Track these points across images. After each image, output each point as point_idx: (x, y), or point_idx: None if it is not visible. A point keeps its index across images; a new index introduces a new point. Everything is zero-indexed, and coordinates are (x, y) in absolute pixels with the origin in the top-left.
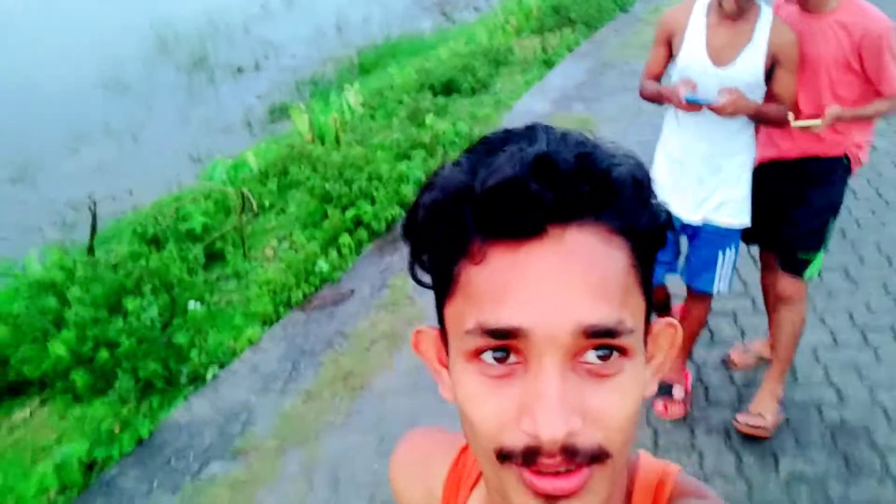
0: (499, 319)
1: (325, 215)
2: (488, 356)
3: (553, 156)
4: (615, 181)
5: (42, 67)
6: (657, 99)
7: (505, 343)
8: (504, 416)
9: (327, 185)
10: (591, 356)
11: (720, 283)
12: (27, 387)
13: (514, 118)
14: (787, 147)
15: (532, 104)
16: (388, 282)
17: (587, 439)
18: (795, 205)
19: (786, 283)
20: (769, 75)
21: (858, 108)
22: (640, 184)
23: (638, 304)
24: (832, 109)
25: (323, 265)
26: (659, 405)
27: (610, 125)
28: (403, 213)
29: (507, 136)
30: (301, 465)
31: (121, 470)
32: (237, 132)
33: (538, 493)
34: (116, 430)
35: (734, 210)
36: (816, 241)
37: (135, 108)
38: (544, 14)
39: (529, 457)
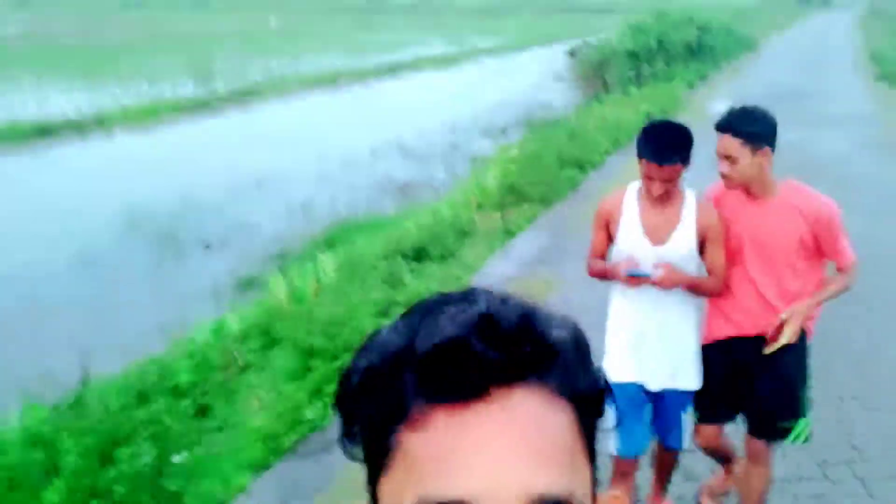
0: (442, 491)
1: (310, 369)
2: None
3: (496, 316)
4: (557, 342)
5: (16, 240)
6: (604, 276)
7: None
8: None
9: (311, 340)
10: None
11: (685, 438)
12: None
13: (482, 279)
14: (746, 324)
15: (498, 268)
16: None
17: None
18: (763, 375)
19: (758, 446)
20: (702, 250)
21: (818, 295)
22: (580, 346)
23: (585, 472)
24: (795, 310)
25: (309, 414)
26: None
27: (573, 287)
28: None
29: (446, 299)
30: None
31: None
32: (205, 303)
33: None
34: None
35: (689, 375)
36: (794, 409)
37: (103, 282)
38: (502, 193)
39: None
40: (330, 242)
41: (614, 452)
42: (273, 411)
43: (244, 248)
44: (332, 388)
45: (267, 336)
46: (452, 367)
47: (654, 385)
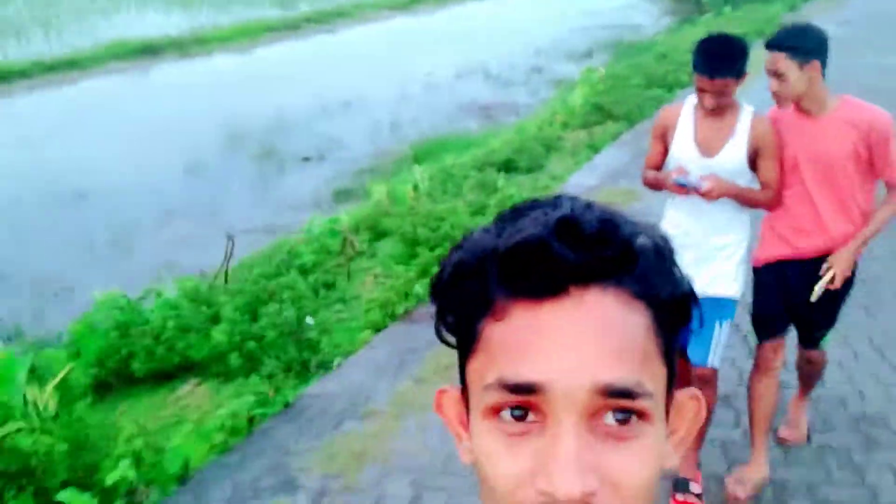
0: (518, 375)
1: (415, 255)
2: (507, 414)
3: (577, 219)
4: (637, 248)
5: (133, 153)
6: (655, 185)
7: (523, 399)
8: (520, 473)
9: (415, 231)
10: (610, 418)
11: (714, 356)
12: (184, 371)
13: (568, 189)
14: (804, 246)
15: (583, 179)
16: None
17: (604, 502)
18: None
19: (813, 354)
20: (754, 164)
21: (863, 234)
22: (662, 253)
23: (658, 370)
24: (841, 256)
25: (419, 288)
26: (678, 499)
27: (654, 196)
28: None
29: (534, 204)
30: (416, 426)
31: (274, 424)
32: (307, 210)
33: None
34: (271, 395)
35: (726, 282)
36: (831, 321)
37: (213, 190)
38: (587, 112)
39: None
40: (417, 158)
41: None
42: (386, 286)
43: (337, 162)
44: (435, 270)
45: (375, 230)
46: (531, 265)
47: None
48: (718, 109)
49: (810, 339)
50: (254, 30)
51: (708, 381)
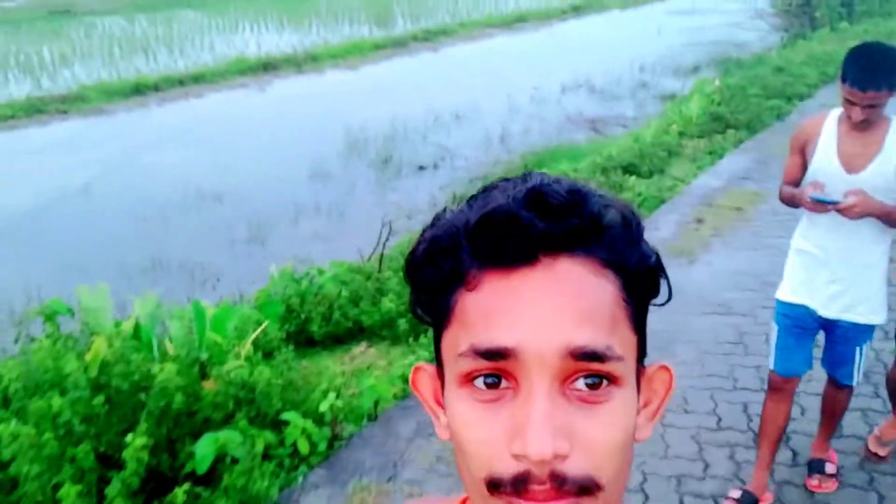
0: (490, 340)
1: None
2: (480, 381)
3: (544, 189)
4: (604, 218)
5: (261, 160)
6: (791, 201)
7: (496, 365)
8: (494, 440)
9: None
10: (581, 383)
11: (858, 376)
12: (355, 336)
13: (694, 190)
14: None
15: (707, 181)
16: None
17: (576, 467)
18: None
19: None
20: None
21: None
22: (630, 224)
23: (628, 337)
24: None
25: None
26: (813, 481)
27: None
28: None
29: (504, 180)
30: None
31: None
32: (425, 215)
33: None
34: None
35: (870, 308)
36: None
37: (336, 194)
38: (705, 121)
39: (519, 484)
40: (529, 168)
41: (770, 367)
42: None
43: (451, 170)
44: None
45: None
46: (501, 234)
47: (826, 312)
48: (866, 123)
49: None
50: (362, 47)
51: (846, 399)
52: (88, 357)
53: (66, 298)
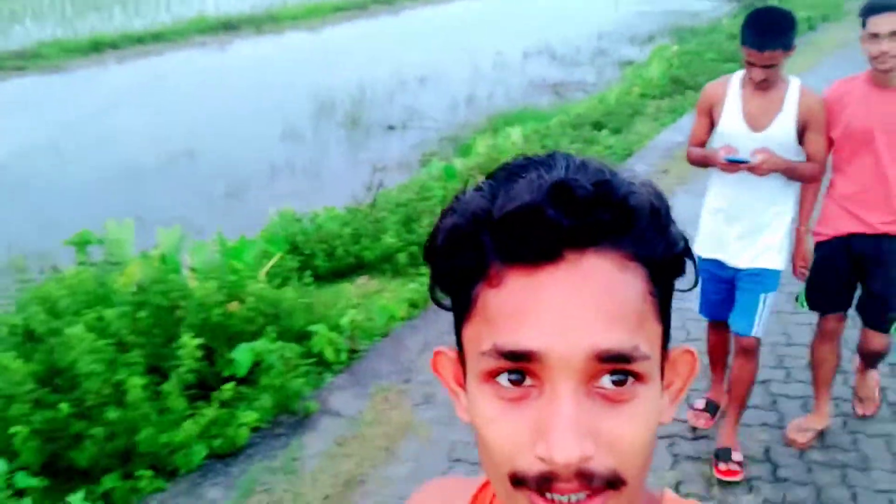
0: (515, 342)
1: None
2: (503, 379)
3: (570, 183)
4: (632, 208)
5: (230, 120)
6: (703, 162)
7: (520, 366)
8: (518, 439)
9: None
10: (606, 381)
11: (759, 327)
12: (357, 271)
13: (658, 144)
14: (874, 220)
15: (670, 136)
16: None
17: (601, 464)
18: (877, 272)
19: (875, 338)
20: (801, 138)
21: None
22: (658, 211)
23: (654, 330)
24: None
25: None
26: (721, 468)
27: None
28: None
29: (527, 163)
30: None
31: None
32: (397, 172)
33: None
34: None
35: (773, 254)
36: None
37: (308, 154)
38: (665, 84)
39: (543, 483)
40: (495, 129)
41: (700, 313)
42: None
43: (420, 131)
44: None
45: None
46: (526, 231)
47: (737, 262)
48: (767, 83)
49: (879, 320)
50: (323, 9)
51: (751, 352)
52: (125, 279)
53: (48, 249)
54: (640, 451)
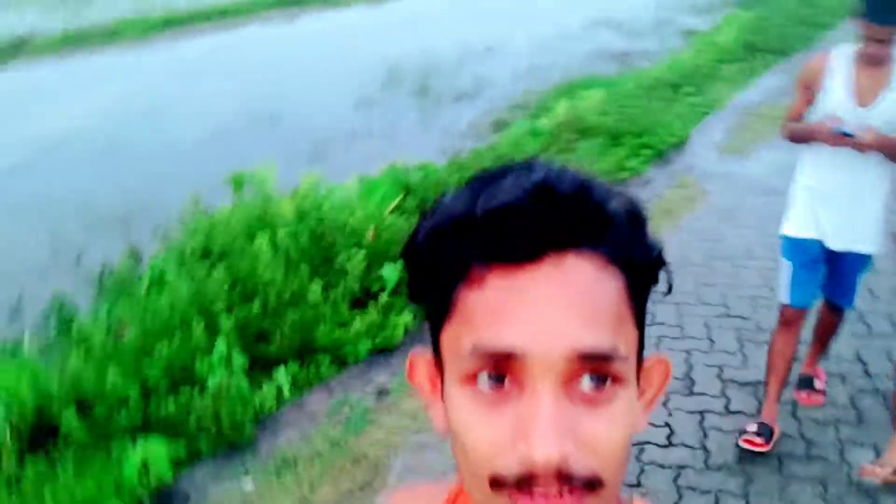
0: (495, 342)
1: (617, 145)
2: (483, 380)
3: (553, 184)
4: (611, 212)
5: (305, 89)
6: (803, 136)
7: (500, 366)
8: (498, 440)
9: (617, 125)
10: (585, 383)
11: (856, 299)
12: None
13: (737, 103)
14: None
15: (747, 96)
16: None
17: (582, 465)
18: None
19: None
20: None
21: None
22: (636, 217)
23: (631, 334)
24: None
25: (629, 164)
26: (802, 394)
27: None
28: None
29: (507, 168)
30: None
31: None
32: (470, 138)
33: None
34: None
35: (872, 239)
36: None
37: (382, 120)
38: (737, 48)
39: (523, 483)
40: (565, 95)
41: (784, 301)
42: (598, 166)
43: (488, 99)
44: (632, 163)
45: (576, 129)
46: (508, 231)
47: (835, 245)
48: (879, 59)
49: None
50: None
51: (840, 322)
52: (286, 207)
53: (172, 204)
54: (618, 452)
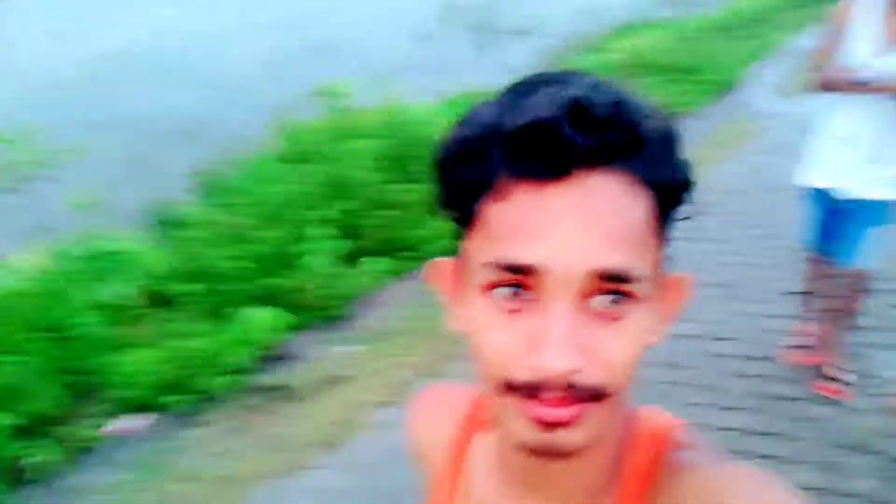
0: (516, 256)
1: (682, 80)
2: (502, 290)
3: (587, 101)
4: (645, 132)
5: (361, 21)
6: (832, 85)
7: (519, 279)
8: (513, 348)
9: (680, 63)
10: (601, 299)
11: (863, 258)
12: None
13: (791, 47)
14: None
15: (799, 41)
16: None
17: (589, 378)
18: None
19: None
20: None
21: None
22: (669, 138)
23: (654, 253)
24: None
25: (686, 99)
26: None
27: None
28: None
29: (543, 79)
30: None
31: None
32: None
33: (536, 421)
34: None
35: (888, 185)
36: None
37: (437, 54)
38: None
39: (532, 390)
40: (623, 36)
41: (814, 252)
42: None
43: (544, 38)
44: (701, 89)
45: (642, 66)
46: (538, 146)
47: (859, 193)
48: None
49: None
50: None
51: (859, 282)
52: (374, 117)
53: (234, 125)
54: (627, 367)
